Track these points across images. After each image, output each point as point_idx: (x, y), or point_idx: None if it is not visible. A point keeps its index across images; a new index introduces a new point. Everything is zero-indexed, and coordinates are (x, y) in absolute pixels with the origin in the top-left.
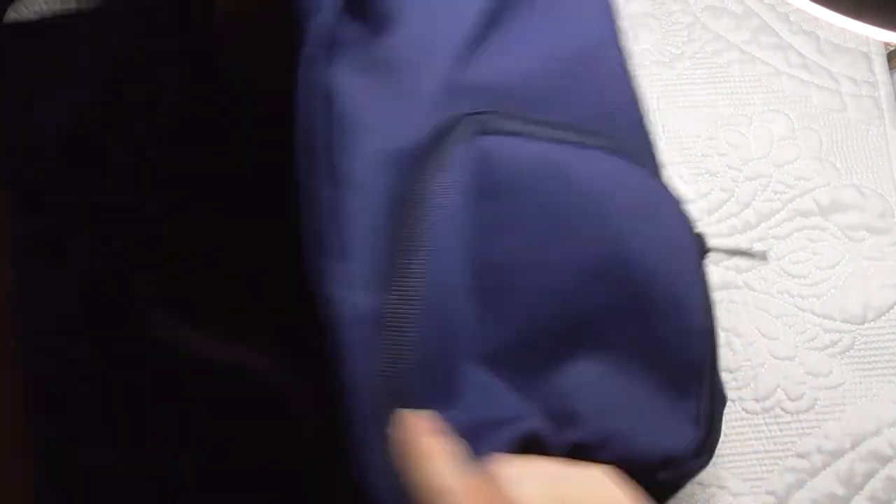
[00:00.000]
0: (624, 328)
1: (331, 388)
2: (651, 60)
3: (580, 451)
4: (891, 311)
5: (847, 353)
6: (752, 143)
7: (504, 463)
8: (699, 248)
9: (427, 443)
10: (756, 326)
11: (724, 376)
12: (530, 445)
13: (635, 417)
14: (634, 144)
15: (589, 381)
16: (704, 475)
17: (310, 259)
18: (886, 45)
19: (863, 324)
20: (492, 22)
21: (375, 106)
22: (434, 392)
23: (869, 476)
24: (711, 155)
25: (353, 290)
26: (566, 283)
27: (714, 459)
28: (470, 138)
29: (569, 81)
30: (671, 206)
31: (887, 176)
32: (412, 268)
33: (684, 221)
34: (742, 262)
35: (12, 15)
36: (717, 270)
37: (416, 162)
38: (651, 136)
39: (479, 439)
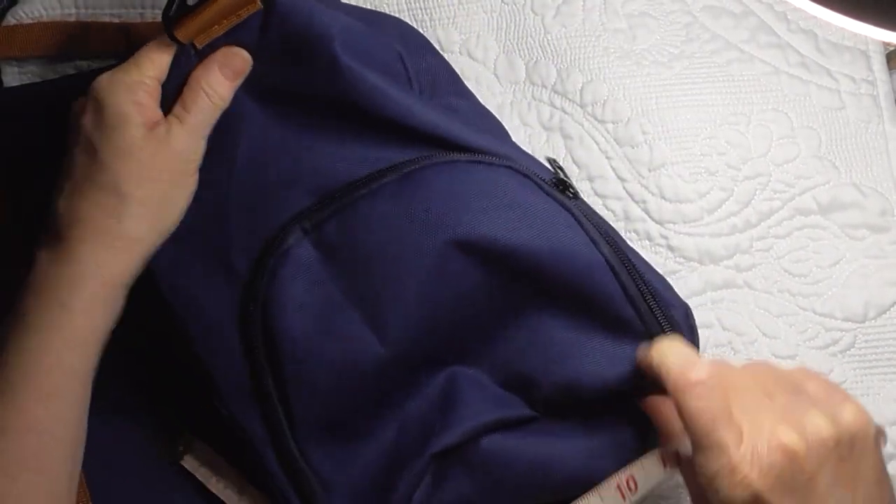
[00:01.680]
0: (522, 292)
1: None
2: (650, 60)
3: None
4: (891, 309)
5: (848, 351)
6: (751, 142)
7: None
8: (557, 188)
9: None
10: (757, 325)
11: None
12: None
13: (579, 357)
14: (449, 140)
15: (518, 346)
16: None
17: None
18: (886, 44)
19: (863, 322)
20: None
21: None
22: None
23: None
24: (711, 154)
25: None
26: (441, 292)
27: None
28: (295, 242)
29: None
30: (500, 175)
31: (887, 174)
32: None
33: (522, 178)
34: (742, 261)
35: (10, 20)
36: (717, 270)
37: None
38: (482, 113)
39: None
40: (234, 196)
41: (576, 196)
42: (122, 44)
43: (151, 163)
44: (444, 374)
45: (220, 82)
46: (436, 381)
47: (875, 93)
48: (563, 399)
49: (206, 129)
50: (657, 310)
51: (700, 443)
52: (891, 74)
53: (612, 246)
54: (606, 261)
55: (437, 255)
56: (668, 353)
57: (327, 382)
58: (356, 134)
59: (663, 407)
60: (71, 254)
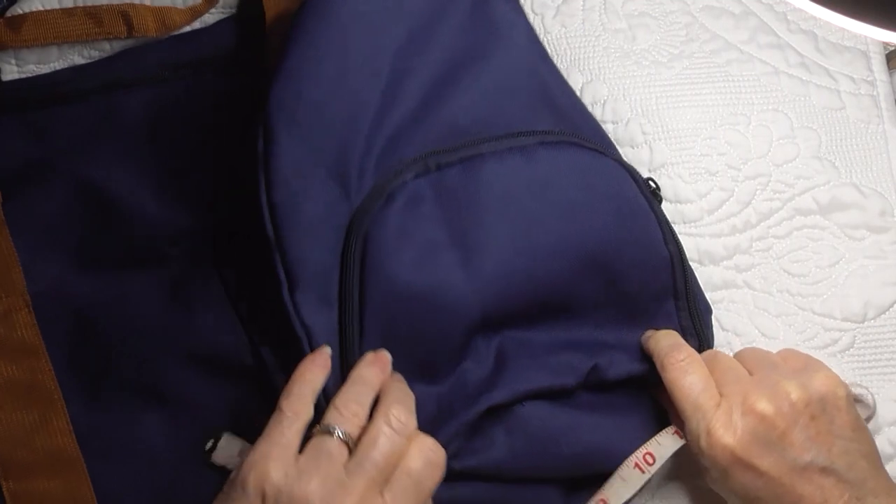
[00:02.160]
0: (593, 285)
1: None
2: (650, 60)
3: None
4: (891, 309)
5: (847, 351)
6: (751, 142)
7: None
8: (649, 190)
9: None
10: (756, 326)
11: None
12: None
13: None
14: (575, 124)
15: (572, 337)
16: None
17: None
18: (886, 44)
19: (863, 322)
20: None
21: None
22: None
23: None
24: (711, 154)
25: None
26: (536, 266)
27: None
28: (413, 177)
29: (505, 99)
30: (612, 169)
31: (886, 174)
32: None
33: (626, 174)
34: (742, 261)
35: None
36: (717, 270)
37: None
38: (590, 116)
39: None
40: (372, 122)
41: (660, 197)
42: (121, 29)
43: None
44: (502, 336)
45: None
46: (493, 341)
47: (875, 93)
48: (598, 381)
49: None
50: (690, 308)
51: (684, 411)
52: (891, 74)
53: (675, 244)
54: (671, 257)
55: (544, 231)
56: (659, 338)
57: (405, 309)
58: (500, 90)
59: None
60: None
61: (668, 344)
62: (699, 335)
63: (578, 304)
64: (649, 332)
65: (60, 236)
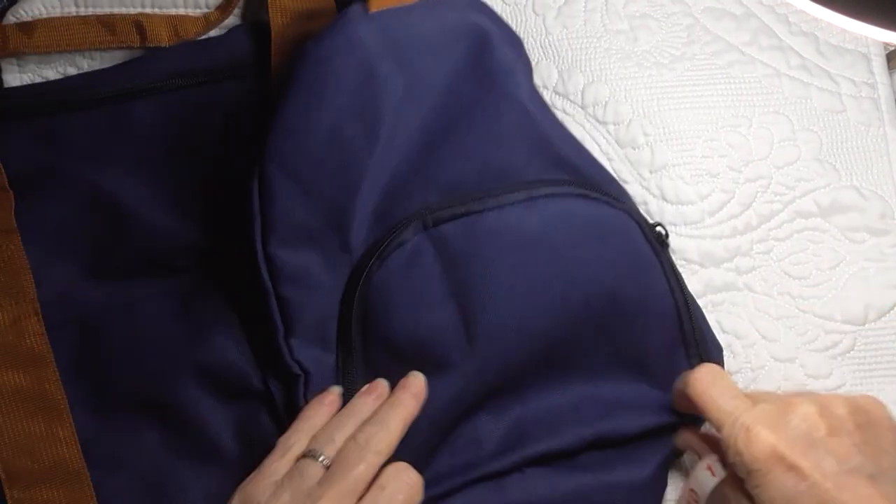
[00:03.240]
0: (597, 340)
1: None
2: (651, 62)
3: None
4: (891, 311)
5: (848, 354)
6: (752, 144)
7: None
8: (656, 238)
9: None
10: (756, 328)
11: None
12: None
13: (643, 409)
14: (579, 174)
15: (580, 396)
16: None
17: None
18: (886, 45)
19: (863, 325)
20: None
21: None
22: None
23: None
24: (712, 156)
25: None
26: (537, 320)
27: None
28: (413, 234)
29: (504, 151)
30: (618, 219)
31: (887, 177)
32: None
33: (635, 225)
34: (742, 263)
35: (11, 18)
36: (717, 272)
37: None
38: (595, 163)
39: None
40: (368, 174)
41: (667, 244)
42: (134, 38)
43: None
44: (505, 400)
45: None
46: (502, 413)
47: (876, 96)
48: (605, 441)
49: None
50: (704, 352)
51: (718, 418)
52: (891, 76)
53: (684, 293)
54: (676, 306)
55: (545, 286)
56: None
57: (405, 364)
58: (503, 139)
59: (693, 435)
60: None
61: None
62: None
63: (583, 360)
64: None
65: (70, 244)
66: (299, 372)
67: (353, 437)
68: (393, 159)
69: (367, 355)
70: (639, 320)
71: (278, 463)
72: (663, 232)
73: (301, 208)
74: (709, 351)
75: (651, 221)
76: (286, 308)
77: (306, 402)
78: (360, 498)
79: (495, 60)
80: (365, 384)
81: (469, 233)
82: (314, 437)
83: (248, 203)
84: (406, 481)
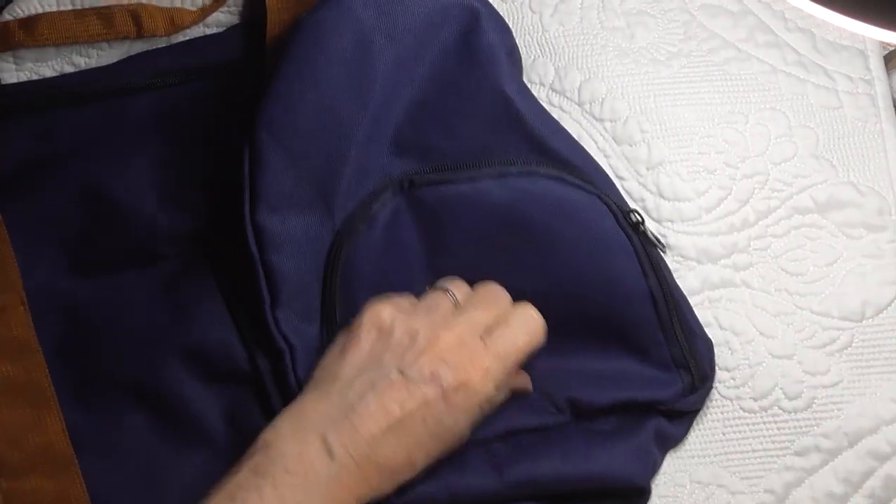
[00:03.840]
0: (567, 315)
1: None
2: (648, 59)
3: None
4: (889, 307)
5: (845, 350)
6: (748, 140)
7: None
8: (630, 224)
9: None
10: (754, 325)
11: (722, 375)
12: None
13: (615, 381)
14: (557, 157)
15: (549, 368)
16: (703, 474)
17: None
18: (884, 45)
19: (861, 321)
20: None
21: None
22: None
23: (867, 474)
24: (708, 153)
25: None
26: (520, 293)
27: (712, 458)
28: (392, 197)
29: (483, 129)
30: (587, 202)
31: (884, 173)
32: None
33: (604, 208)
34: (740, 260)
35: (7, 17)
36: (715, 269)
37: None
38: (577, 147)
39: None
40: (354, 143)
41: (641, 229)
42: (131, 29)
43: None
44: None
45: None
46: None
47: (872, 92)
48: (581, 412)
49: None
50: (685, 341)
51: None
52: (890, 75)
53: (659, 277)
54: (650, 290)
55: (516, 260)
56: None
57: None
58: (484, 118)
59: None
60: (366, 480)
61: None
62: (690, 369)
63: (555, 334)
64: None
65: (56, 234)
66: (284, 346)
67: (483, 284)
68: (382, 132)
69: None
70: (610, 298)
71: (400, 298)
72: (638, 218)
73: (290, 175)
74: (695, 344)
75: (628, 208)
76: (272, 275)
77: (296, 376)
78: (487, 331)
79: (482, 43)
80: None
81: (443, 198)
82: (441, 280)
83: (239, 169)
84: (532, 326)
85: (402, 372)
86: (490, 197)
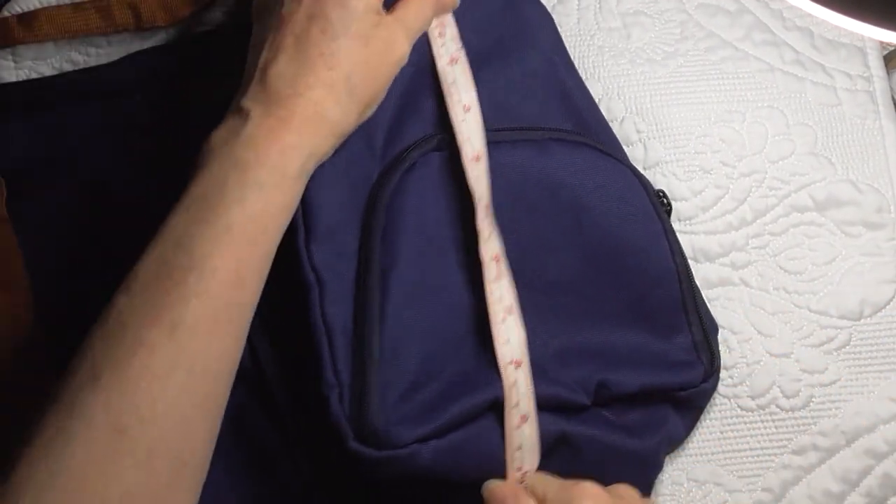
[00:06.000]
0: (604, 292)
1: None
2: (644, 58)
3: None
4: (887, 306)
5: (843, 349)
6: (746, 139)
7: None
8: (660, 203)
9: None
10: (752, 323)
11: (721, 374)
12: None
13: (645, 363)
14: (592, 130)
15: (575, 345)
16: (701, 472)
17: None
18: (884, 45)
19: (859, 320)
20: None
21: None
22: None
23: (865, 473)
24: (705, 152)
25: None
26: (543, 258)
27: (710, 456)
28: (431, 151)
29: (524, 95)
30: (626, 176)
31: (883, 171)
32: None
33: (640, 185)
34: (738, 258)
35: (4, 13)
36: (712, 268)
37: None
38: (607, 125)
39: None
40: (398, 94)
41: (669, 211)
42: (130, 21)
43: (372, 52)
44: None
45: None
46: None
47: (871, 89)
48: (603, 398)
49: (417, 36)
50: (702, 323)
51: None
52: (890, 75)
53: (683, 258)
54: (677, 270)
55: (551, 224)
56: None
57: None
58: (522, 86)
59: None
60: (287, 126)
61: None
62: (711, 350)
63: (586, 302)
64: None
65: (60, 233)
66: (314, 281)
67: None
68: (424, 86)
69: (393, 270)
70: (641, 274)
71: None
72: (665, 200)
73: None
74: (707, 326)
75: (654, 189)
76: (309, 207)
77: (322, 312)
78: None
79: (527, 13)
80: (383, 304)
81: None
82: None
83: None
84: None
85: None
86: (529, 164)
